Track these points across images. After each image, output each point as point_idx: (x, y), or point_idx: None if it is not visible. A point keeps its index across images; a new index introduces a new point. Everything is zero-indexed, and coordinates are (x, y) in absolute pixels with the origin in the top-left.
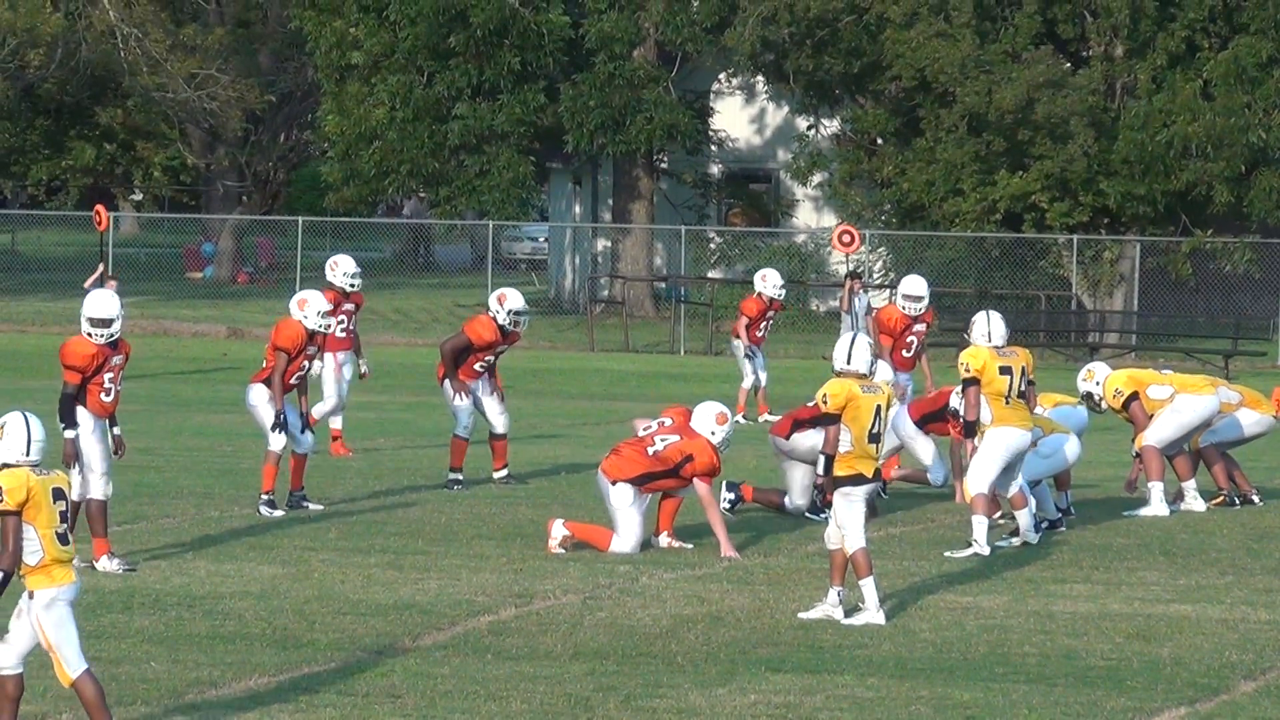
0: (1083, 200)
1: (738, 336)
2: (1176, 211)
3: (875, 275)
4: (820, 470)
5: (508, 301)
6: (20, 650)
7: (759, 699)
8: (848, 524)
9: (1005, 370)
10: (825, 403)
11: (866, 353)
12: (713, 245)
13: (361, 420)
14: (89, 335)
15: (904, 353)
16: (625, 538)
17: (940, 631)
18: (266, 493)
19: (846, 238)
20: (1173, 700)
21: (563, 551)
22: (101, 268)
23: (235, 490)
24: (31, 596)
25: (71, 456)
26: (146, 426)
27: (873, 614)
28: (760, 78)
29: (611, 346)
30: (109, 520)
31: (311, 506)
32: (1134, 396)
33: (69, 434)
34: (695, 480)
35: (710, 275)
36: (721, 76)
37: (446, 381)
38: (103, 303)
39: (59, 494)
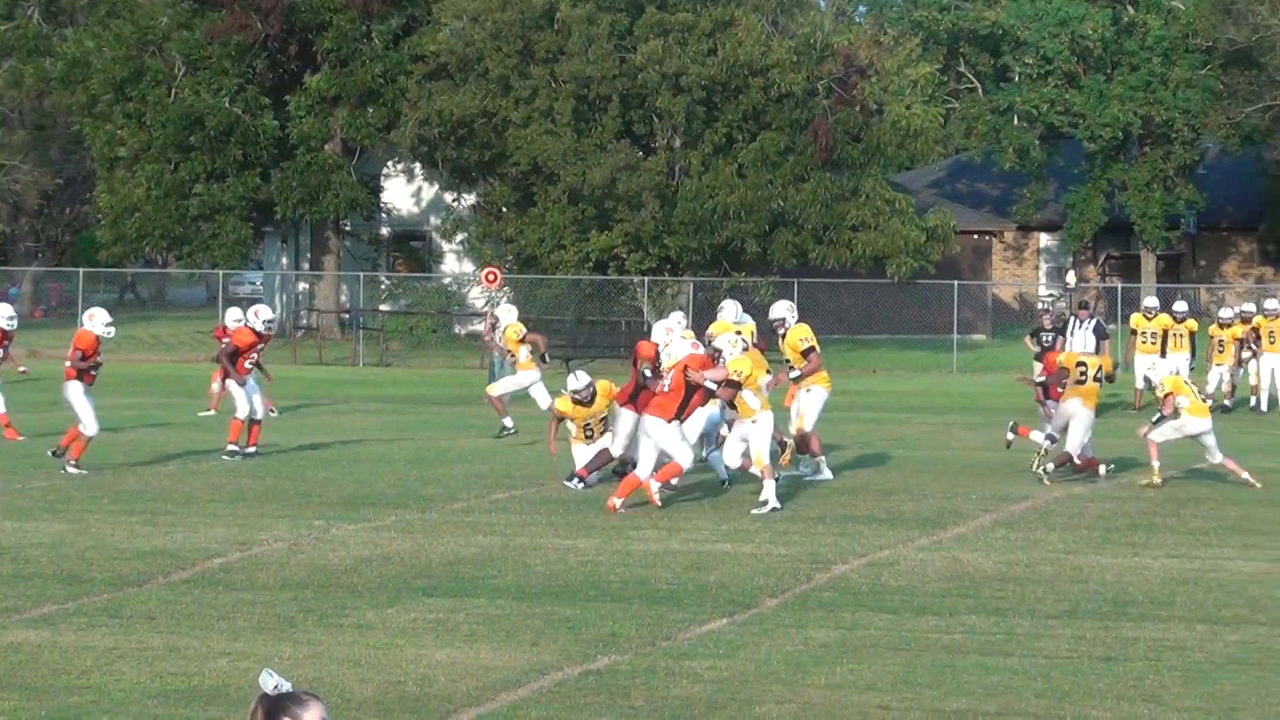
0: (652, 252)
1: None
2: (720, 259)
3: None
4: None
5: (261, 314)
6: None
7: (418, 616)
8: None
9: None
10: None
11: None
12: (383, 286)
13: (125, 416)
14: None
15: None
16: (682, 459)
17: (549, 565)
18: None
19: (492, 276)
20: (717, 614)
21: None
22: None
23: (34, 468)
24: None
25: None
26: None
27: None
28: (418, 164)
29: (309, 361)
30: None
31: (70, 470)
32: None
33: None
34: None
35: (381, 308)
36: (390, 163)
37: (230, 382)
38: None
39: None
